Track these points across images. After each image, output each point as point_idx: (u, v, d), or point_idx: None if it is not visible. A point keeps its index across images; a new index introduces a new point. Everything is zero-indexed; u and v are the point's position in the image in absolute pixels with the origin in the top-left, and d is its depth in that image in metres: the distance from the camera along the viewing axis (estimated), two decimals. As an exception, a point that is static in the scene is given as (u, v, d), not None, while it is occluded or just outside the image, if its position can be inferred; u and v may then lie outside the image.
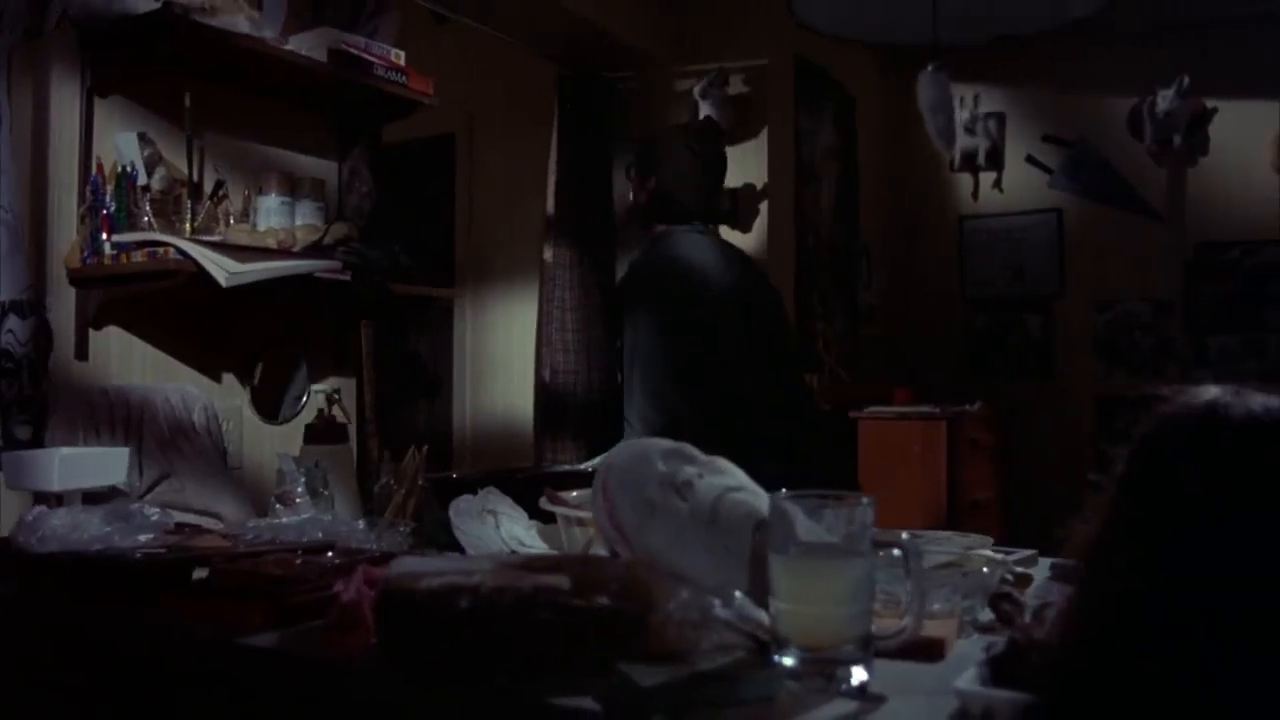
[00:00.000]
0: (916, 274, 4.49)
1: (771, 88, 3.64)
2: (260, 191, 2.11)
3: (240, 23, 1.85)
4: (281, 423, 2.20)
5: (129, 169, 1.85)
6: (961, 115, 4.43)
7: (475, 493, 1.65)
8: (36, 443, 1.80)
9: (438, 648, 1.00)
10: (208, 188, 2.04)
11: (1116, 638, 0.85)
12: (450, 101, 4.23)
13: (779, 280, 3.69)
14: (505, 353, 4.09)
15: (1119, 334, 4.18)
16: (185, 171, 1.94)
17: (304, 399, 2.26)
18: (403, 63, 2.24)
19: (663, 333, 2.25)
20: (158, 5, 1.77)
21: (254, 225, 2.08)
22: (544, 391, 3.62)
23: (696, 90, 3.51)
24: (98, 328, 1.88)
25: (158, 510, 1.56)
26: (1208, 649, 0.79)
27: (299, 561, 1.40)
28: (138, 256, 1.76)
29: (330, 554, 1.46)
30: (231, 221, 2.03)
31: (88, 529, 1.47)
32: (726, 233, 3.62)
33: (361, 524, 1.61)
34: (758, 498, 1.14)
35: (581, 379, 3.64)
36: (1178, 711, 0.77)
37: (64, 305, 1.84)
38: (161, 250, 1.73)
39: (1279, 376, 3.84)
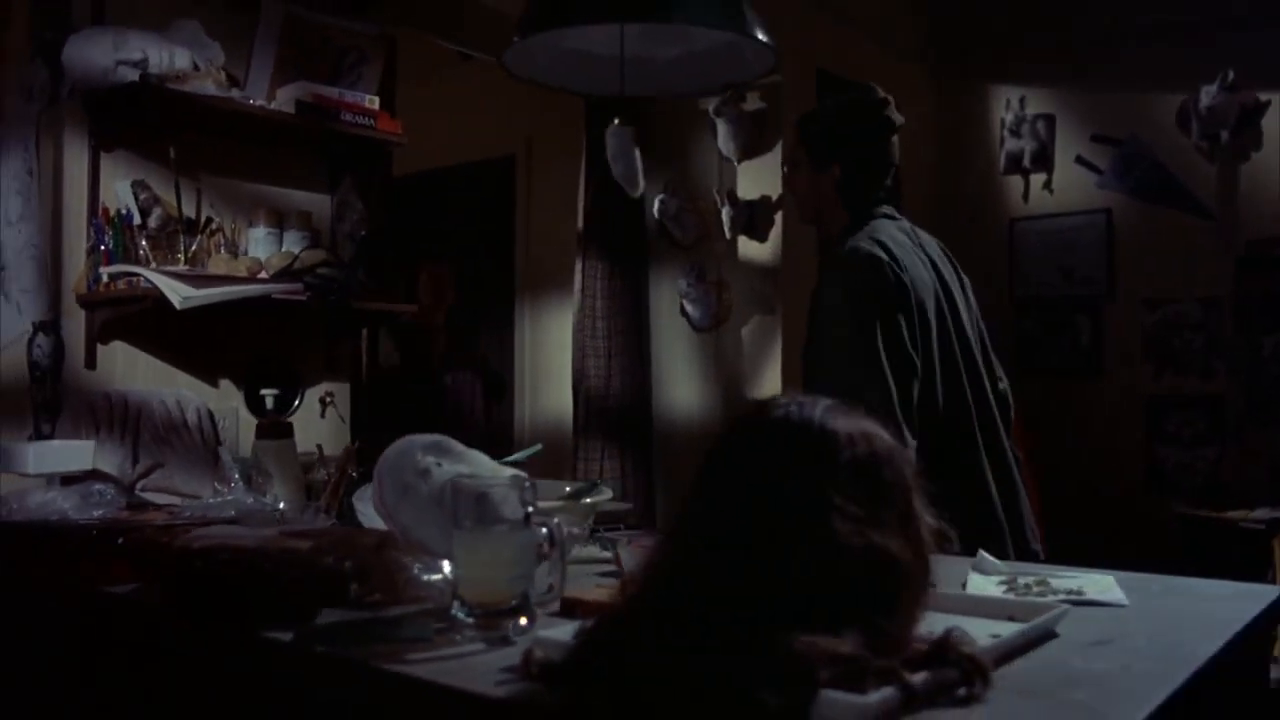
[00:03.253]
0: (966, 276, 4.50)
1: (791, 102, 3.79)
2: (250, 224, 2.48)
3: (208, 87, 2.21)
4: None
5: (124, 212, 2.24)
6: (1006, 117, 4.44)
7: (377, 481, 1.94)
8: (53, 437, 2.21)
9: (194, 592, 1.29)
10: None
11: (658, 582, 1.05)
12: (509, 125, 4.61)
13: (801, 289, 3.84)
14: (560, 359, 4.38)
15: (1169, 334, 4.09)
16: (179, 212, 2.32)
17: (297, 401, 2.62)
18: (376, 107, 2.57)
19: (904, 332, 2.00)
20: (136, 78, 2.14)
21: (244, 253, 2.44)
22: (578, 395, 3.89)
23: (711, 109, 3.71)
24: (104, 342, 2.28)
25: (113, 491, 1.92)
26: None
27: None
28: (121, 284, 2.14)
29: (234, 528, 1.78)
30: (222, 252, 2.40)
31: (53, 505, 1.84)
32: (745, 243, 3.80)
33: (282, 505, 1.93)
34: (505, 483, 1.38)
35: (615, 383, 3.89)
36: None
37: (75, 324, 2.25)
38: (135, 279, 2.11)
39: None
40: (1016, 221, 4.47)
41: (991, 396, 2.19)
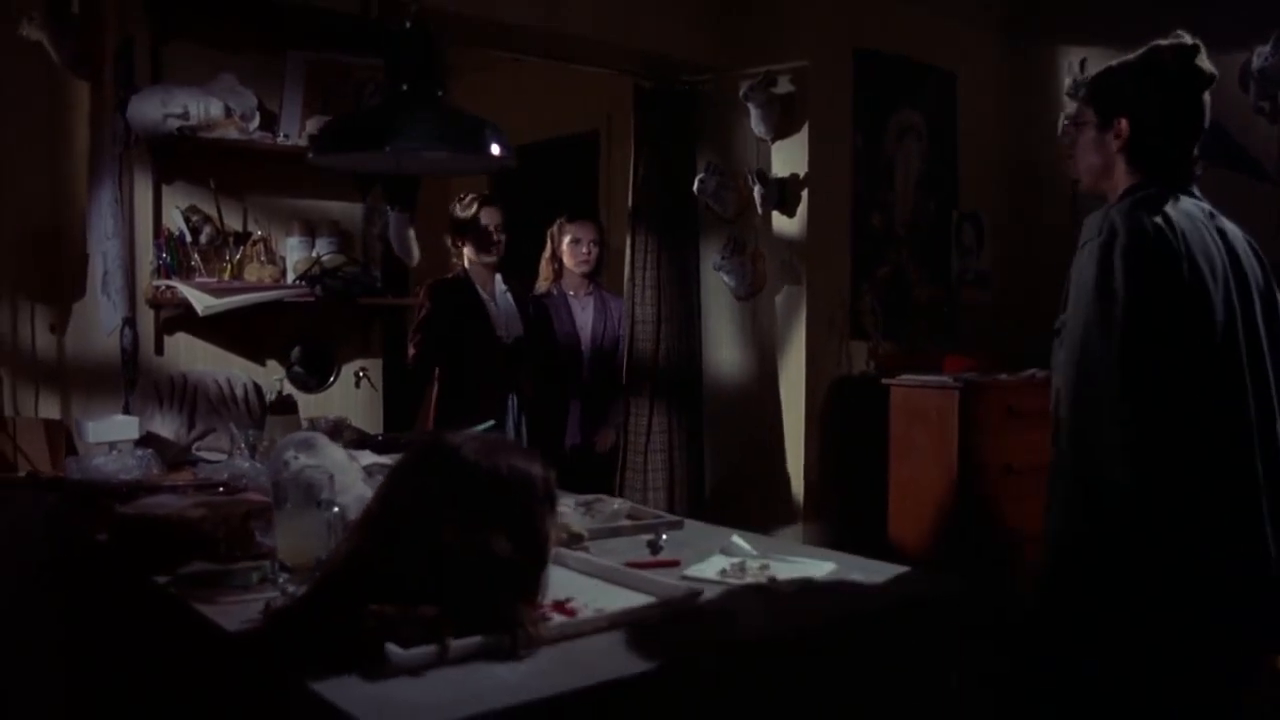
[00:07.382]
0: (1030, 240, 4.56)
1: (825, 82, 3.99)
2: (287, 235, 3.04)
3: (231, 132, 2.76)
4: (314, 393, 3.14)
5: (177, 233, 2.85)
6: (1065, 83, 4.42)
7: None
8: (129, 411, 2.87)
9: (121, 543, 1.85)
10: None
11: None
12: (593, 104, 5.01)
13: (831, 261, 4.08)
14: (631, 322, 4.79)
15: (1224, 301, 4.03)
16: (221, 229, 2.91)
17: (334, 376, 3.20)
18: (385, 131, 3.05)
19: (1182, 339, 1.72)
20: (176, 129, 2.72)
21: (282, 261, 3.01)
22: (629, 358, 4.30)
23: (741, 93, 3.96)
24: (169, 334, 2.91)
25: (151, 455, 2.53)
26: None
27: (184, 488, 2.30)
28: (167, 292, 2.75)
29: (221, 489, 2.35)
30: (263, 259, 2.98)
31: (103, 467, 2.48)
32: (777, 218, 4.06)
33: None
34: (322, 474, 1.85)
35: (664, 347, 4.27)
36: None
37: (147, 321, 2.89)
38: (174, 289, 2.71)
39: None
40: (1078, 184, 4.46)
41: None
